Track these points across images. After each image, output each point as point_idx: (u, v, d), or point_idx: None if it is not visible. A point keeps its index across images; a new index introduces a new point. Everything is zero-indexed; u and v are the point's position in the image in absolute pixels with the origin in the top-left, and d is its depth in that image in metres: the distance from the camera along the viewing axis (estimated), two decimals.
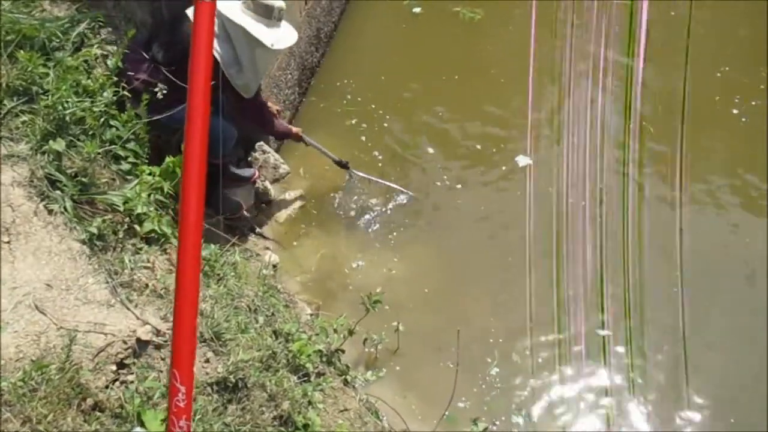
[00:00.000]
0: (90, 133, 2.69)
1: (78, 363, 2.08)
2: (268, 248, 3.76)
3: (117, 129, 2.81)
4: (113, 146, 2.78)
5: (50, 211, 2.42)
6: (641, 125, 4.63)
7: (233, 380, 2.38)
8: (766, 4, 5.35)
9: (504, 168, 4.40)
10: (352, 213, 4.13)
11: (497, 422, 3.23)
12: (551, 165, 4.35)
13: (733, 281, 3.89)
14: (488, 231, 4.06)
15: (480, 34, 5.26)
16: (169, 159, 2.93)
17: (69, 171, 2.54)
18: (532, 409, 3.30)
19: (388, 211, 4.13)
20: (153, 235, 2.71)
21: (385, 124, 4.58)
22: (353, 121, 4.56)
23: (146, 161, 2.93)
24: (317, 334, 3.06)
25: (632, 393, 3.40)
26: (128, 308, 2.34)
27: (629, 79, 4.87)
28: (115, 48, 2.97)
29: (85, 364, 2.10)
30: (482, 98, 4.85)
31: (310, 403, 2.59)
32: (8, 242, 2.27)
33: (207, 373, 2.37)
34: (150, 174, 2.87)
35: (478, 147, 4.52)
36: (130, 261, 2.50)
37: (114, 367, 2.18)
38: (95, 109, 2.72)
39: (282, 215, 4.00)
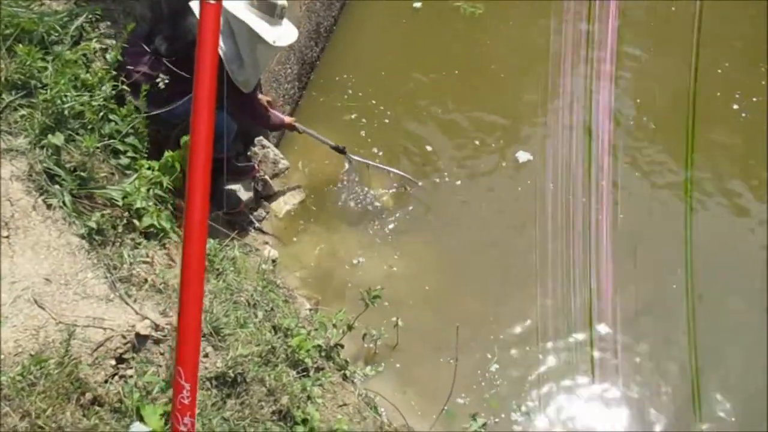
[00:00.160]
0: (89, 127, 2.68)
1: (77, 357, 2.09)
2: (267, 243, 3.75)
3: (116, 123, 2.81)
4: (112, 140, 2.78)
5: (49, 206, 2.42)
6: (643, 121, 4.62)
7: (232, 375, 2.39)
8: (766, 2, 5.33)
9: (504, 164, 4.39)
10: (352, 208, 4.12)
11: (497, 420, 3.23)
12: (552, 161, 4.34)
13: (734, 273, 3.88)
14: (488, 227, 4.05)
15: (480, 29, 5.24)
16: (168, 153, 2.92)
17: (68, 165, 2.54)
18: (531, 406, 3.31)
19: (388, 207, 4.12)
20: (152, 229, 2.71)
21: (385, 120, 4.56)
22: (353, 116, 4.55)
23: (145, 156, 2.93)
24: (316, 329, 3.06)
25: (632, 390, 3.40)
26: (127, 303, 2.33)
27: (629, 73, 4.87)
28: (113, 42, 2.96)
29: (84, 359, 2.10)
30: (482, 93, 4.83)
31: (309, 397, 2.59)
32: (7, 237, 2.27)
33: (206, 368, 2.37)
34: (149, 168, 2.87)
35: (479, 142, 4.51)
36: (129, 256, 2.50)
37: (113, 362, 2.18)
38: (94, 103, 2.71)
39: (281, 210, 3.99)
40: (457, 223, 4.08)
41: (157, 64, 3.00)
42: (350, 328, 3.18)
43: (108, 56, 2.90)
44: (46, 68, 2.64)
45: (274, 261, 3.53)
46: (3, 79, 2.53)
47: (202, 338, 2.46)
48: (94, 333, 2.18)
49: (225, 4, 2.76)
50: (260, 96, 3.66)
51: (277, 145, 4.24)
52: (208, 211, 1.56)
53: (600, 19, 5.02)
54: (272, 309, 2.93)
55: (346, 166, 4.17)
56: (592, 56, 4.92)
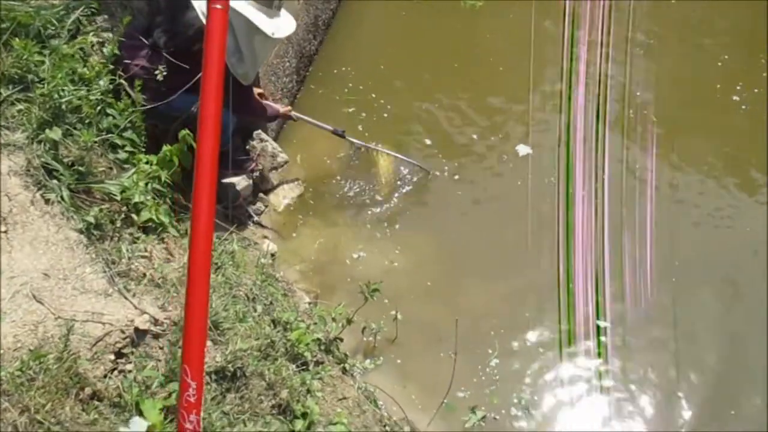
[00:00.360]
0: (86, 121, 2.67)
1: (76, 352, 2.08)
2: (266, 237, 3.75)
3: (114, 117, 2.80)
4: (110, 135, 2.77)
5: (47, 201, 2.41)
6: (643, 114, 4.61)
7: (232, 369, 2.39)
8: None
9: (504, 157, 4.39)
10: (352, 202, 4.11)
11: (497, 416, 3.23)
12: (551, 154, 4.34)
13: (735, 268, 3.89)
14: (489, 221, 4.04)
15: (480, 22, 5.22)
16: (166, 147, 2.91)
17: (66, 160, 2.53)
18: (531, 401, 3.31)
19: (388, 200, 4.11)
20: (150, 224, 2.71)
21: (384, 114, 4.55)
22: (351, 110, 4.54)
23: (143, 150, 2.92)
24: (316, 323, 3.06)
25: (634, 387, 3.40)
26: (126, 297, 2.33)
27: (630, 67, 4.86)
28: (110, 35, 2.94)
29: (83, 354, 2.10)
30: (482, 87, 4.82)
31: (308, 391, 2.60)
32: (5, 232, 2.26)
33: (205, 362, 2.36)
34: (147, 163, 2.86)
35: (479, 136, 4.50)
36: (127, 250, 2.49)
37: (112, 357, 2.18)
38: (91, 97, 2.70)
39: (280, 204, 3.99)
40: (458, 217, 4.07)
41: (156, 57, 2.99)
42: (349, 321, 3.18)
43: (105, 50, 2.88)
44: (43, 62, 2.62)
45: (273, 255, 3.53)
46: (0, 73, 2.52)
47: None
48: (93, 328, 2.18)
49: None
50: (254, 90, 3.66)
51: (275, 139, 4.23)
52: (214, 212, 1.56)
53: (598, 12, 5.01)
54: (271, 303, 2.93)
55: (351, 152, 4.15)
56: (591, 49, 4.91)
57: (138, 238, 2.62)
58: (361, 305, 3.22)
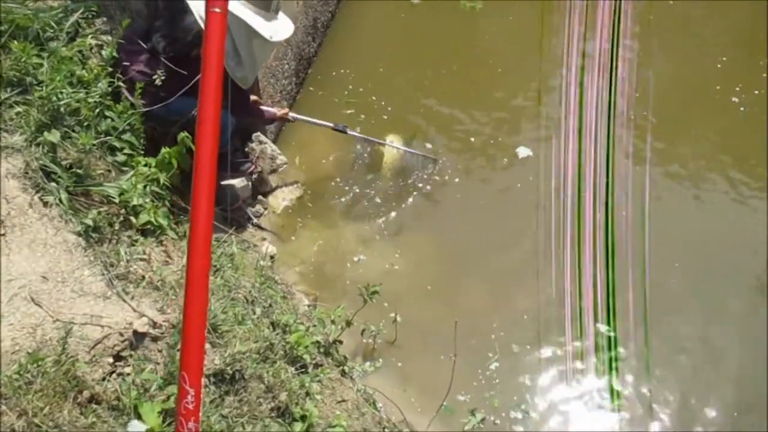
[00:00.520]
0: (85, 124, 2.67)
1: (74, 355, 2.08)
2: (265, 239, 3.74)
3: (112, 120, 2.79)
4: (109, 137, 2.76)
5: (45, 203, 2.41)
6: (643, 115, 4.61)
7: (230, 372, 2.38)
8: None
9: (505, 160, 4.38)
10: (351, 204, 4.11)
11: (497, 420, 3.22)
12: (552, 156, 4.33)
13: (737, 268, 3.88)
14: (489, 223, 4.04)
15: (479, 24, 5.23)
16: (165, 150, 2.91)
17: (64, 162, 2.52)
18: (531, 405, 3.30)
19: (388, 203, 4.11)
20: (149, 226, 2.70)
21: (384, 116, 4.55)
22: (350, 112, 4.53)
23: (142, 152, 2.92)
24: (315, 325, 3.05)
25: (635, 392, 3.39)
26: (124, 300, 2.33)
27: (629, 69, 4.85)
28: (109, 38, 2.94)
29: (81, 357, 2.10)
30: (482, 89, 4.82)
31: (307, 394, 2.59)
32: (3, 234, 2.26)
33: (204, 365, 2.36)
34: (146, 165, 2.86)
35: (479, 138, 4.50)
36: (126, 253, 2.49)
37: (110, 360, 2.17)
38: (90, 99, 2.69)
39: (279, 206, 3.99)
40: (458, 219, 4.07)
41: (155, 62, 2.99)
42: (349, 324, 3.18)
43: (104, 52, 2.88)
44: (41, 65, 2.62)
45: (272, 257, 3.52)
46: None
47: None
48: (92, 331, 2.17)
49: None
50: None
51: (274, 141, 4.23)
52: (213, 215, 1.56)
53: (598, 14, 5.01)
54: (270, 305, 2.93)
55: (356, 151, 4.12)
56: (591, 50, 4.91)
57: (136, 241, 2.62)
58: (360, 307, 3.21)
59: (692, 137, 4.61)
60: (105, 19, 2.99)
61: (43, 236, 2.33)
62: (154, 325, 2.31)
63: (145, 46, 3.03)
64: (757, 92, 4.79)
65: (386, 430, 2.95)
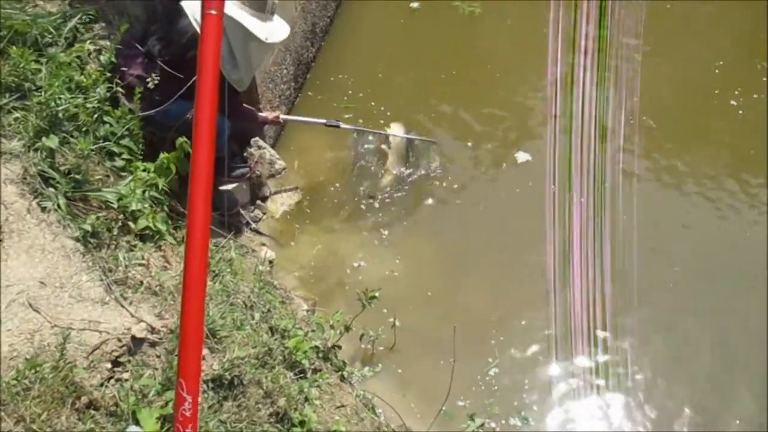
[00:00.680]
0: (83, 129, 2.67)
1: (72, 361, 2.08)
2: (264, 244, 3.74)
3: (111, 125, 2.80)
4: (107, 143, 2.77)
5: (43, 209, 2.41)
6: (642, 119, 4.61)
7: (229, 377, 2.38)
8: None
9: (504, 165, 4.37)
10: (350, 209, 4.11)
11: (497, 428, 3.21)
12: (551, 161, 4.32)
13: (737, 270, 3.88)
14: (488, 229, 4.02)
15: (478, 29, 5.23)
16: (163, 155, 2.91)
17: (62, 168, 2.53)
18: (530, 411, 3.29)
19: (387, 208, 4.10)
20: (147, 231, 2.70)
21: (382, 121, 4.54)
22: (349, 116, 4.53)
23: (140, 158, 2.92)
24: (313, 331, 3.05)
25: (635, 397, 3.38)
26: (123, 306, 2.32)
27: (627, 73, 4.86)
28: (107, 43, 2.94)
29: (79, 362, 2.09)
30: (481, 94, 4.82)
31: (306, 399, 2.59)
32: (1, 240, 2.26)
33: (203, 371, 2.36)
34: (144, 170, 2.86)
35: (478, 143, 4.48)
36: (124, 258, 2.49)
37: (109, 365, 2.17)
38: (88, 105, 2.70)
39: (278, 211, 3.98)
40: (457, 224, 4.06)
41: (152, 66, 2.99)
42: (347, 329, 3.17)
43: (102, 58, 2.88)
44: (40, 70, 2.62)
45: (270, 262, 3.52)
46: None
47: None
48: (90, 336, 2.17)
49: None
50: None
51: (273, 146, 4.23)
52: (210, 225, 1.56)
53: (596, 18, 5.01)
54: (269, 310, 2.92)
55: (356, 143, 4.10)
56: (588, 55, 4.91)
57: (135, 246, 2.61)
58: (359, 312, 3.21)
59: (691, 140, 4.61)
60: (103, 24, 3.00)
61: (41, 242, 2.33)
62: (153, 330, 2.30)
63: (141, 50, 3.03)
64: (756, 96, 4.79)
65: None
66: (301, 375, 2.69)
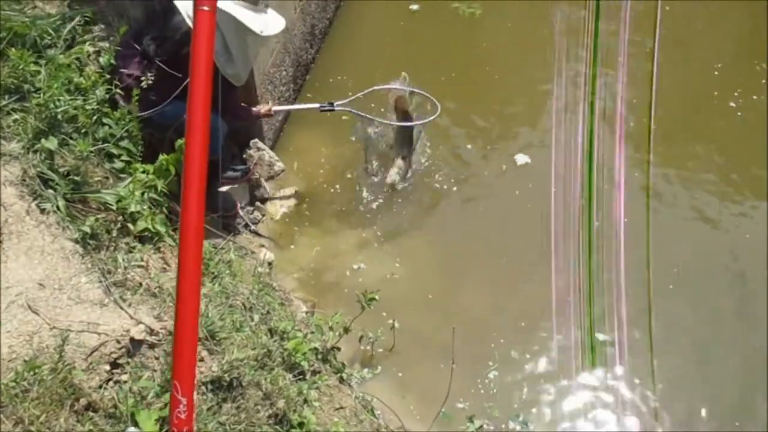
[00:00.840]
0: (83, 131, 2.67)
1: (71, 363, 2.07)
2: (263, 246, 3.74)
3: (110, 127, 2.80)
4: (106, 144, 2.77)
5: (43, 210, 2.41)
6: (642, 121, 4.61)
7: (228, 379, 2.37)
8: (766, 2, 5.33)
9: (504, 167, 4.37)
10: (349, 211, 4.11)
11: (495, 429, 3.21)
12: (550, 163, 4.32)
13: (737, 272, 3.88)
14: (488, 231, 4.03)
15: (478, 30, 5.23)
16: (162, 157, 2.91)
17: (61, 170, 2.52)
18: (529, 414, 3.29)
19: (386, 210, 4.10)
20: (146, 233, 2.70)
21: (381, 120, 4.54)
22: (345, 118, 4.52)
23: (140, 159, 2.92)
24: (313, 332, 3.05)
25: (634, 401, 3.38)
26: (122, 307, 2.32)
27: (628, 77, 4.86)
28: (107, 44, 2.94)
29: (78, 364, 2.09)
30: (481, 96, 4.82)
31: (305, 401, 2.58)
32: (0, 242, 2.25)
33: (202, 372, 2.35)
34: (144, 172, 2.86)
35: (478, 146, 4.49)
36: (123, 260, 2.48)
37: (107, 367, 2.17)
38: (88, 107, 2.70)
39: (277, 213, 3.98)
40: (456, 226, 4.06)
41: (148, 66, 2.98)
42: (347, 330, 3.17)
43: (101, 59, 2.89)
44: (39, 72, 2.63)
45: (270, 264, 3.52)
46: None
47: (198, 343, 2.44)
48: (89, 338, 2.17)
49: None
50: None
51: (272, 148, 4.23)
52: (203, 227, 1.55)
53: (596, 20, 5.01)
54: (268, 312, 2.92)
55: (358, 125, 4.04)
56: (588, 57, 4.91)
57: (134, 248, 2.61)
58: (358, 314, 3.21)
59: (691, 141, 4.61)
60: (102, 25, 3.00)
61: (41, 243, 2.33)
62: (151, 332, 2.30)
63: (138, 48, 3.01)
64: (755, 97, 4.79)
65: None
66: (300, 377, 2.69)
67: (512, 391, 3.37)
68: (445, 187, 4.25)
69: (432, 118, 4.01)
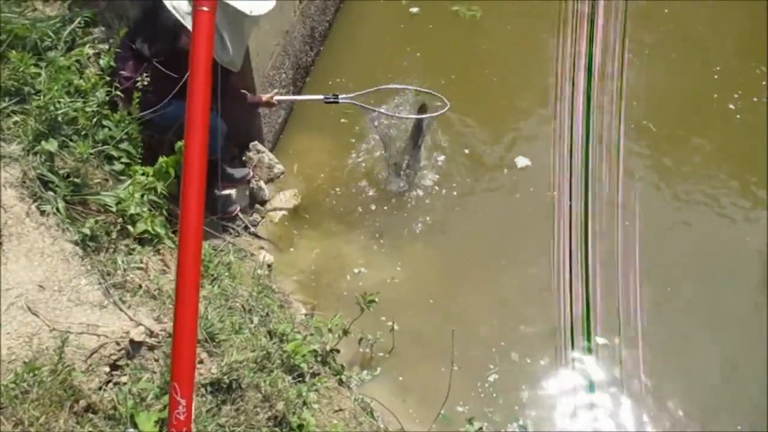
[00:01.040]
0: (82, 133, 2.68)
1: (71, 364, 2.07)
2: (262, 248, 3.75)
3: (110, 129, 2.80)
4: (106, 146, 2.77)
5: (43, 212, 2.41)
6: (642, 123, 4.61)
7: (227, 381, 2.37)
8: (766, 3, 5.34)
9: (504, 170, 4.37)
10: (349, 213, 4.10)
11: (493, 431, 3.22)
12: (550, 166, 4.32)
13: (737, 273, 3.88)
14: (487, 234, 4.03)
15: (478, 33, 5.23)
16: (162, 159, 2.91)
17: (61, 171, 2.53)
18: (529, 417, 3.28)
19: (386, 213, 4.10)
20: (146, 235, 2.70)
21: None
22: (344, 121, 4.52)
23: (139, 161, 2.92)
24: (312, 334, 3.05)
25: (633, 405, 3.38)
26: (121, 309, 2.32)
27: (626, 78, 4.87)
28: (107, 46, 2.95)
29: (77, 366, 2.09)
30: (480, 98, 4.82)
31: (304, 403, 2.58)
32: (0, 243, 2.26)
33: (201, 374, 2.36)
34: (143, 174, 2.86)
35: (477, 148, 4.49)
36: (123, 262, 2.49)
37: (107, 369, 2.17)
38: (88, 109, 2.71)
39: (277, 215, 3.98)
40: (456, 229, 4.05)
41: (144, 66, 2.95)
42: (346, 333, 3.17)
43: (101, 61, 2.89)
44: (39, 74, 2.63)
45: (269, 266, 3.53)
46: None
47: (197, 345, 2.44)
48: (88, 340, 2.17)
49: None
50: None
51: (272, 150, 4.24)
52: (202, 229, 1.55)
53: (595, 22, 5.03)
54: (267, 314, 2.92)
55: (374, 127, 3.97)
56: (587, 59, 4.92)
57: (134, 250, 2.61)
58: (357, 316, 3.21)
59: (690, 144, 4.61)
60: (103, 28, 3.00)
61: (40, 245, 2.33)
62: (151, 334, 2.30)
63: (135, 47, 3.00)
64: (755, 99, 4.80)
65: None
66: (300, 379, 2.69)
67: (512, 394, 3.36)
68: (444, 190, 4.24)
69: (441, 112, 3.98)
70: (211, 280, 2.85)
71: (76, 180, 2.55)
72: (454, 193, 4.23)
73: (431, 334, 3.53)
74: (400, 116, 4.07)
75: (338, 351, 3.15)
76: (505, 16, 5.32)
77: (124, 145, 2.84)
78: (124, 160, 2.84)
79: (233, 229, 3.70)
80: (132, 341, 2.24)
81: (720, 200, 4.27)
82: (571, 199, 4.12)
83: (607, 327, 3.61)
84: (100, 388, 2.11)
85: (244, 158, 4.02)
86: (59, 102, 2.60)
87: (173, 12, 2.85)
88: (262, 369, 2.54)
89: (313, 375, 2.80)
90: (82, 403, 2.04)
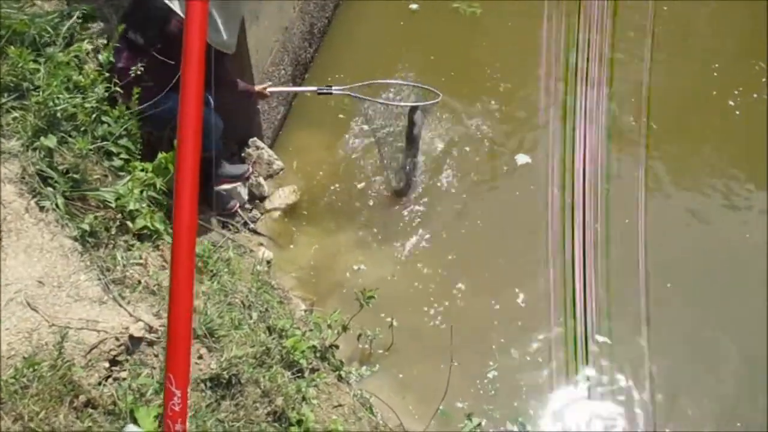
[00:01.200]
0: (82, 129, 2.68)
1: (70, 360, 2.08)
2: (261, 244, 3.75)
3: (109, 125, 2.80)
4: (105, 142, 2.77)
5: (42, 208, 2.41)
6: (642, 121, 4.61)
7: (226, 376, 2.38)
8: (766, 3, 5.33)
9: (504, 168, 4.37)
10: (348, 210, 4.11)
11: (493, 428, 3.22)
12: (551, 164, 4.32)
13: (737, 272, 3.88)
14: (488, 231, 4.02)
15: (477, 30, 5.22)
16: (161, 155, 2.91)
17: (61, 167, 2.53)
18: (528, 415, 3.29)
19: (386, 210, 4.09)
20: (145, 231, 2.71)
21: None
22: (342, 117, 4.51)
23: (139, 157, 2.92)
24: (311, 330, 3.05)
25: (632, 403, 3.38)
26: (121, 305, 2.33)
27: (629, 77, 4.86)
28: (105, 42, 2.94)
29: (77, 361, 2.10)
30: (480, 95, 4.80)
31: (304, 398, 2.59)
32: None
33: (200, 370, 2.36)
34: (142, 170, 2.86)
35: (477, 146, 4.48)
36: (122, 257, 2.49)
37: (106, 364, 2.17)
38: (87, 104, 2.70)
39: (276, 211, 3.98)
40: (456, 226, 4.05)
41: (138, 57, 2.92)
42: (345, 328, 3.18)
43: (100, 57, 2.89)
44: (38, 70, 2.63)
45: (268, 262, 3.53)
46: None
47: (196, 340, 2.45)
48: (88, 335, 2.17)
49: None
50: None
51: (271, 146, 4.23)
52: (196, 220, 1.54)
53: (595, 20, 5.02)
54: (267, 310, 2.93)
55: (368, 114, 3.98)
56: (588, 56, 4.92)
57: (133, 246, 2.62)
58: (356, 312, 3.21)
59: (691, 141, 4.61)
60: (101, 22, 3.00)
61: (40, 241, 2.33)
62: (150, 329, 2.31)
63: (129, 44, 2.98)
64: (756, 95, 4.79)
65: None
66: (299, 374, 2.70)
67: (511, 391, 3.36)
68: (443, 187, 4.24)
69: (433, 102, 4.02)
70: (210, 276, 2.85)
71: (75, 176, 2.54)
72: (453, 190, 4.23)
73: (430, 330, 3.54)
74: (392, 103, 4.09)
75: (337, 347, 3.16)
76: (505, 13, 5.31)
77: (123, 141, 2.84)
78: (123, 156, 2.84)
79: (232, 225, 3.70)
80: (131, 337, 2.25)
81: (720, 197, 4.27)
82: (572, 197, 4.12)
83: (607, 325, 3.61)
84: (99, 384, 2.12)
85: (243, 155, 4.02)
86: (58, 98, 2.59)
87: None
88: (262, 364, 2.55)
89: (313, 371, 2.81)
90: (82, 398, 2.04)
